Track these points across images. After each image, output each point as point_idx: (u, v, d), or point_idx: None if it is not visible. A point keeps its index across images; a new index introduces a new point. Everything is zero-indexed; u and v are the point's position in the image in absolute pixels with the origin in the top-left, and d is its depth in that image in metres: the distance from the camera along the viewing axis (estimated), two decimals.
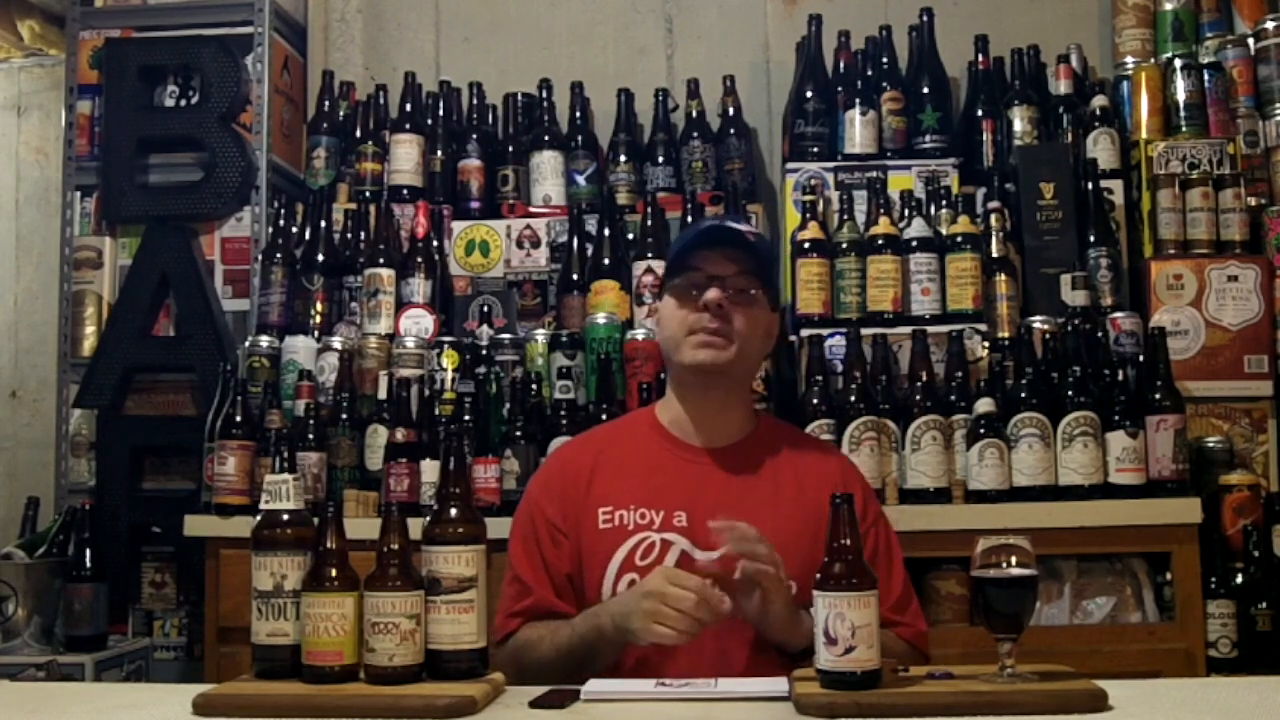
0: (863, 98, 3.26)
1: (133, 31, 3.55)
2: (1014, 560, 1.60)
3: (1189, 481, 2.74)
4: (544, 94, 3.52)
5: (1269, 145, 3.20)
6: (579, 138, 3.44)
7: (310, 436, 2.85)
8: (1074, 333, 2.84)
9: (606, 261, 3.14)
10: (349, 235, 3.29)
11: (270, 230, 3.35)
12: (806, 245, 3.01)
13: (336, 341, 3.06)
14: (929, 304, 2.96)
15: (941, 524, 2.67)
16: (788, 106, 3.39)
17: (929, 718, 1.47)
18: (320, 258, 3.23)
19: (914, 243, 2.98)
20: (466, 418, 2.85)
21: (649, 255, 3.08)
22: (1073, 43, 3.42)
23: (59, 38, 3.90)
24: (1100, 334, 2.87)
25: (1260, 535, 2.75)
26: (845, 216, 3.05)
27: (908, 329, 2.90)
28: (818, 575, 1.56)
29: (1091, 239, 3.08)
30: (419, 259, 3.17)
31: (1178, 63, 3.27)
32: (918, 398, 2.76)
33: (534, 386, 2.89)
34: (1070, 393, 2.73)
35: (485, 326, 3.14)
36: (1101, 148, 3.21)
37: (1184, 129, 3.22)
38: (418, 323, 3.12)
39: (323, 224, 3.27)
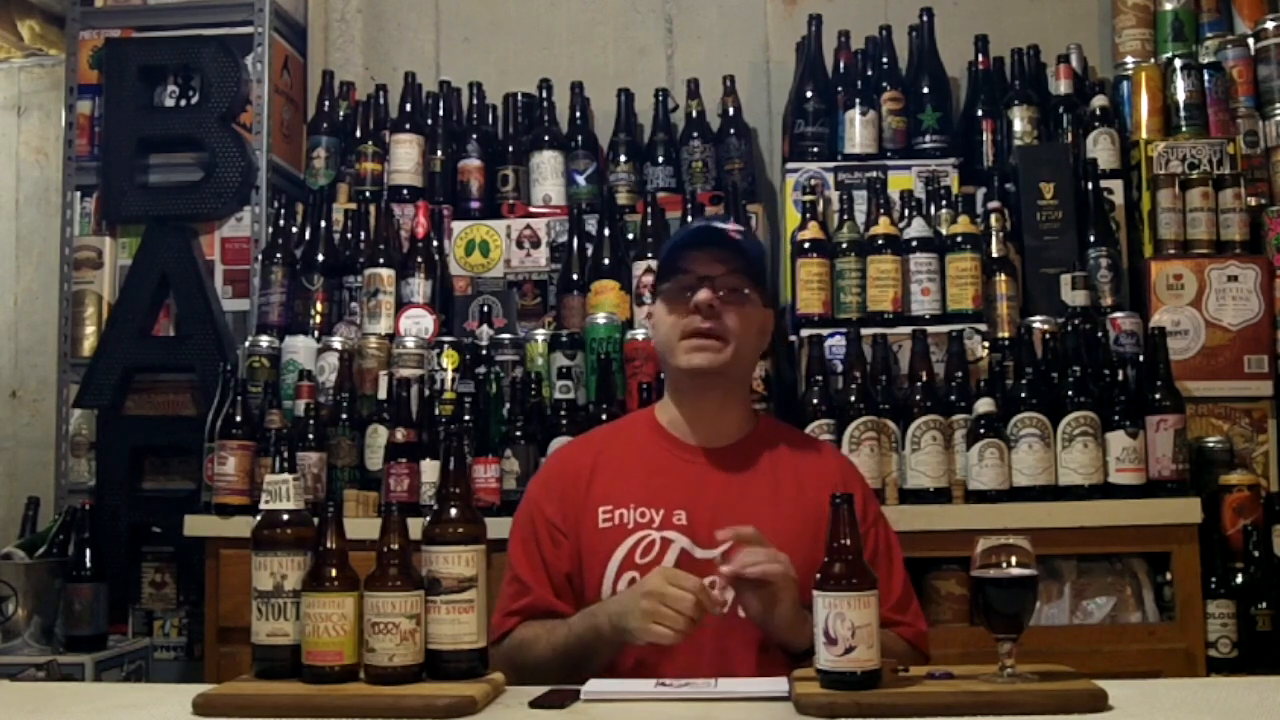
0: (863, 98, 3.26)
1: (133, 31, 3.55)
2: (1014, 560, 1.60)
3: (1189, 481, 2.75)
4: (544, 94, 3.52)
5: (1269, 145, 3.20)
6: (579, 138, 3.44)
7: (310, 436, 2.85)
8: (1074, 333, 2.84)
9: (606, 261, 3.14)
10: (349, 235, 3.29)
11: (270, 230, 3.35)
12: (806, 245, 3.01)
13: (336, 341, 3.07)
14: (929, 304, 2.96)
15: (941, 524, 2.67)
16: (788, 106, 3.39)
17: (929, 718, 1.47)
18: (320, 258, 3.23)
19: (914, 243, 2.98)
20: (466, 418, 2.85)
21: (649, 255, 3.07)
22: (1073, 43, 3.42)
23: (59, 38, 3.90)
24: (1100, 334, 2.87)
25: (1260, 535, 2.75)
26: (845, 216, 3.05)
27: (908, 329, 2.90)
28: (818, 575, 1.56)
29: (1091, 239, 3.08)
30: (419, 259, 3.17)
31: (1178, 63, 3.27)
32: (918, 398, 2.76)
33: (534, 386, 2.89)
34: (1070, 393, 2.73)
35: (485, 326, 3.14)
36: (1101, 148, 3.21)
37: (1184, 129, 3.22)
38: (418, 323, 3.12)
39: (323, 224, 3.27)
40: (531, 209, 3.36)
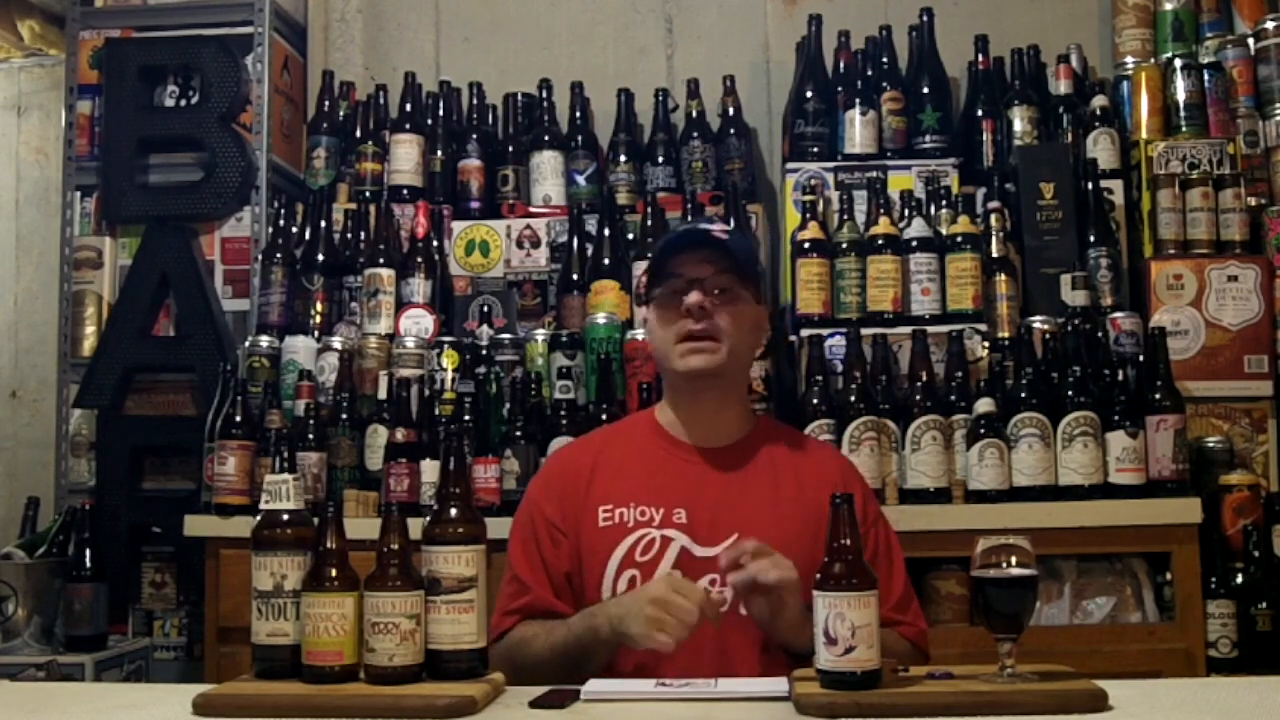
0: (863, 98, 3.26)
1: (133, 31, 3.55)
2: (1014, 560, 1.60)
3: (1189, 481, 2.75)
4: (544, 94, 3.52)
5: (1269, 145, 3.20)
6: (579, 138, 3.44)
7: (310, 436, 2.85)
8: (1074, 333, 2.84)
9: (606, 261, 3.14)
10: (349, 235, 3.29)
11: (270, 230, 3.35)
12: (806, 245, 3.01)
13: (336, 341, 3.07)
14: (929, 304, 2.96)
15: (941, 524, 2.67)
16: (788, 106, 3.39)
17: (929, 718, 1.47)
18: (320, 258, 3.23)
19: (914, 243, 2.98)
20: (466, 418, 2.85)
21: (649, 255, 3.07)
22: (1073, 43, 3.42)
23: (59, 38, 3.90)
24: (1100, 334, 2.87)
25: (1260, 535, 2.75)
26: (845, 216, 3.05)
27: (908, 329, 2.90)
28: (818, 575, 1.56)
29: (1091, 239, 3.08)
30: (419, 259, 3.17)
31: (1178, 63, 3.27)
32: (918, 398, 2.76)
33: (534, 386, 2.89)
34: (1070, 393, 2.73)
35: (485, 326, 3.14)
36: (1101, 148, 3.21)
37: (1184, 129, 3.22)
38: (418, 323, 3.12)
39: (323, 224, 3.27)
40: (531, 209, 3.36)
